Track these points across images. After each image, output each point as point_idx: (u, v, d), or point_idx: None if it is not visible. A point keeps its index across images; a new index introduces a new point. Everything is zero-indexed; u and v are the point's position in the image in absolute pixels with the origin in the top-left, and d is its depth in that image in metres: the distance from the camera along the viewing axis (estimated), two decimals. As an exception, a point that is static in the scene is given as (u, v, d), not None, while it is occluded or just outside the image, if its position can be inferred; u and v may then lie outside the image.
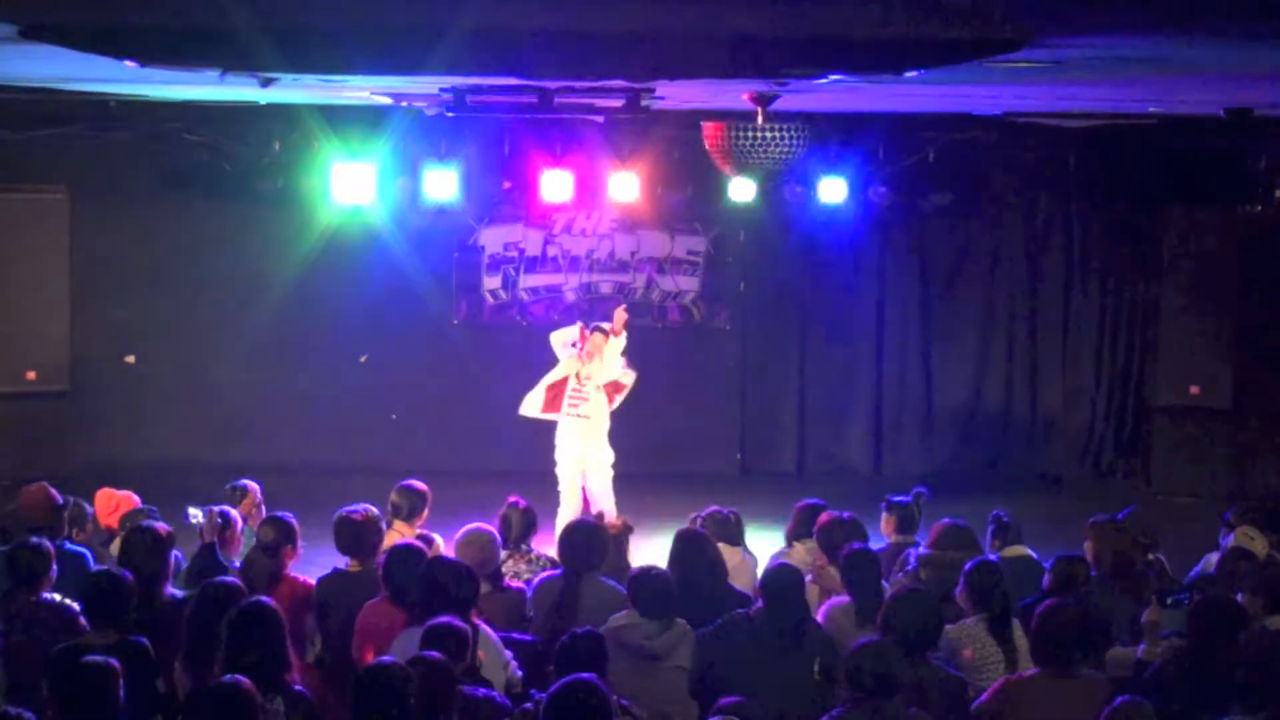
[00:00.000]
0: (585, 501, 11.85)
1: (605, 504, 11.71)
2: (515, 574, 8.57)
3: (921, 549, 8.64)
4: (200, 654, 6.73)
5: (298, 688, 6.39)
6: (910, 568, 8.28)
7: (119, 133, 13.93)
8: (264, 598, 6.79)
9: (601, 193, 13.88)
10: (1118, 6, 6.11)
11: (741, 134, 9.59)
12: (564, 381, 11.80)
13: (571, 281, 15.74)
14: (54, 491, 8.87)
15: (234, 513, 8.82)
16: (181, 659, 6.87)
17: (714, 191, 14.18)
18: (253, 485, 9.47)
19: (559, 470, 11.89)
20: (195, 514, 8.70)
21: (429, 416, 15.34)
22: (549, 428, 11.99)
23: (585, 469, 11.88)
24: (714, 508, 9.20)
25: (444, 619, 6.58)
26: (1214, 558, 8.99)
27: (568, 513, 11.49)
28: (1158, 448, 15.15)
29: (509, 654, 7.18)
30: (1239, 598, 7.45)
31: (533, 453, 12.27)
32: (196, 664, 6.74)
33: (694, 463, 15.28)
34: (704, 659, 7.23)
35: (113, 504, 9.39)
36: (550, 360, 11.93)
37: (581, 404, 11.81)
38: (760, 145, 9.59)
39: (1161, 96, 10.54)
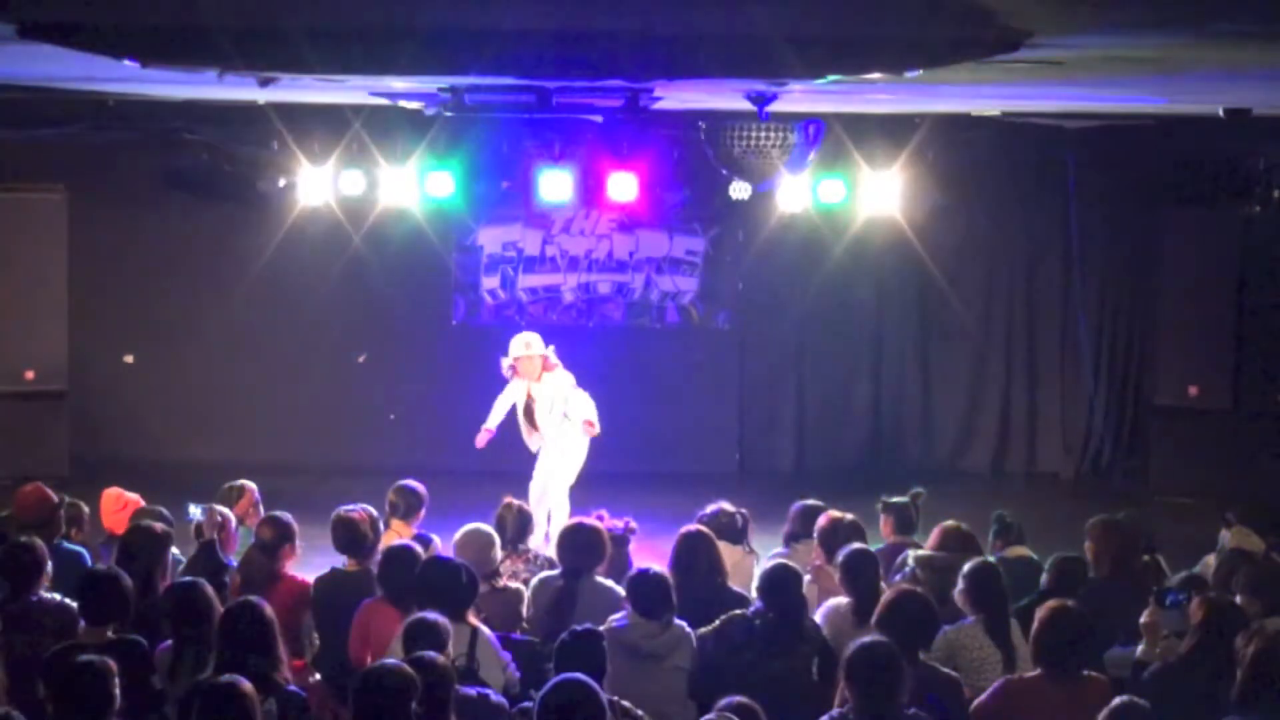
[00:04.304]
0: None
1: (560, 512, 11.56)
2: (513, 574, 8.58)
3: (921, 550, 8.63)
4: (179, 653, 6.74)
5: (291, 687, 6.38)
6: (908, 569, 8.28)
7: (118, 133, 13.89)
8: (251, 597, 6.79)
9: (600, 193, 13.86)
10: (1118, 5, 6.11)
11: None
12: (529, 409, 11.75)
13: (570, 281, 15.74)
14: (48, 491, 8.85)
15: (228, 511, 8.84)
16: (159, 658, 6.86)
17: (713, 191, 14.17)
18: (250, 485, 9.47)
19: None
20: (195, 512, 8.72)
21: (427, 416, 15.33)
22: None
23: (548, 482, 11.80)
24: (718, 506, 9.19)
25: (423, 615, 6.60)
26: (1212, 558, 8.99)
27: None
28: (1157, 448, 15.14)
29: (507, 655, 7.18)
30: (1237, 599, 7.46)
31: (530, 454, 12.26)
32: (176, 662, 6.74)
33: (693, 463, 15.27)
34: (703, 659, 7.24)
35: (119, 505, 9.36)
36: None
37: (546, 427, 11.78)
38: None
39: (1161, 96, 10.54)
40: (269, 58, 7.68)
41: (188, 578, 7.33)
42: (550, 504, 11.63)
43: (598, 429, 11.74)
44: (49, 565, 7.54)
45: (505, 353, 11.85)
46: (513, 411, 11.84)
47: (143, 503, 9.31)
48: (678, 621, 7.32)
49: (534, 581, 8.18)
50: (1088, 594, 7.97)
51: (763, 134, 11.05)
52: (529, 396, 11.77)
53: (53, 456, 14.15)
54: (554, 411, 11.70)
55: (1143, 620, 7.44)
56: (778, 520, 9.69)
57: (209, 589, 7.08)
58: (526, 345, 11.68)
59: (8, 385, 14.41)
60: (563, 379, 11.73)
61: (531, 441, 11.83)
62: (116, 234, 15.09)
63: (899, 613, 6.85)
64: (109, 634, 6.84)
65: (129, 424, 15.16)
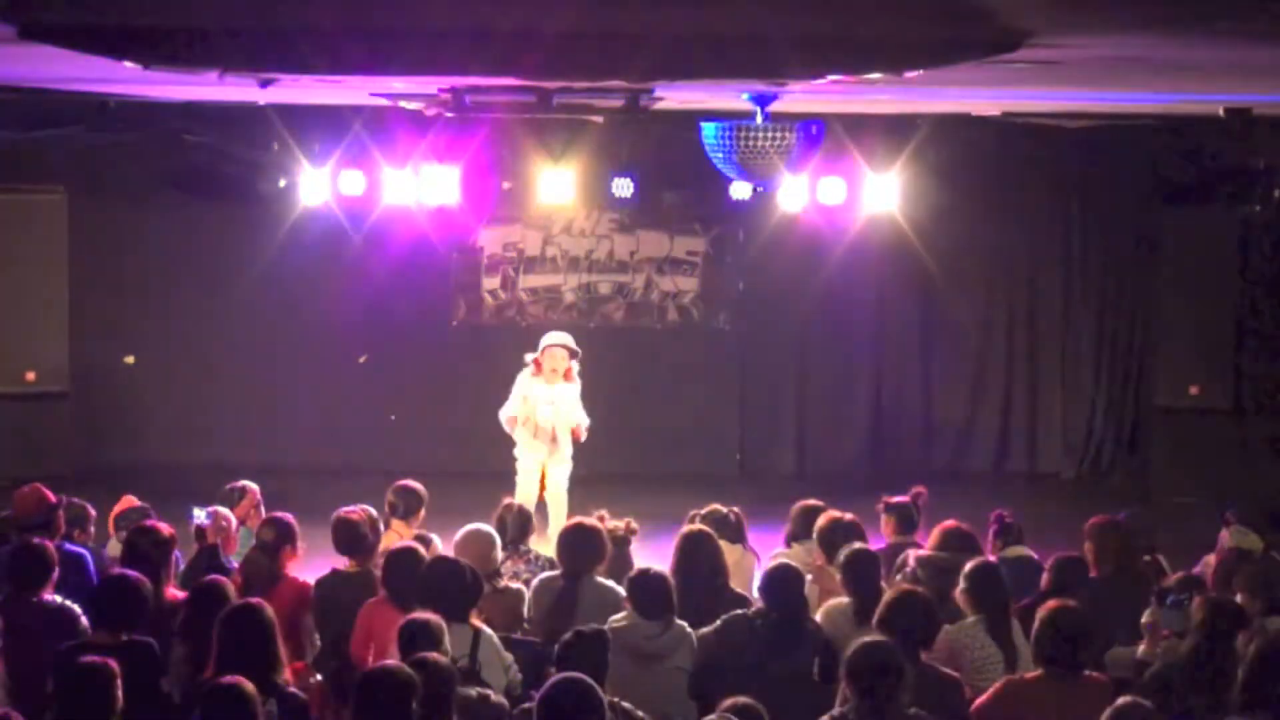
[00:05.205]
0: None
1: (559, 505, 11.66)
2: (514, 574, 8.57)
3: (921, 550, 8.64)
4: (194, 655, 6.73)
5: (291, 689, 6.38)
6: (909, 569, 8.28)
7: (119, 133, 13.89)
8: (253, 599, 6.78)
9: (600, 193, 13.86)
10: (1117, 5, 6.11)
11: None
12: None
13: (570, 282, 15.74)
14: (48, 491, 8.85)
15: (229, 512, 8.84)
16: (175, 660, 6.86)
17: (713, 191, 14.16)
18: (252, 486, 9.47)
19: (520, 465, 11.90)
20: (200, 515, 8.72)
21: (428, 417, 15.33)
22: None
23: (546, 465, 11.85)
24: (713, 506, 9.22)
25: (416, 615, 6.60)
26: (1212, 558, 9.00)
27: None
28: (1157, 448, 15.13)
29: (510, 656, 7.18)
30: (1237, 599, 7.46)
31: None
32: (190, 665, 6.74)
33: (694, 463, 15.27)
34: (704, 659, 7.24)
35: None
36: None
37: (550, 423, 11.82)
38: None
39: (1161, 96, 10.54)
40: (269, 58, 7.68)
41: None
42: (551, 506, 11.66)
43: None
44: (56, 570, 7.54)
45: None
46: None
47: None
48: (678, 622, 7.32)
49: (535, 582, 8.18)
50: (1088, 594, 7.97)
51: (763, 134, 11.04)
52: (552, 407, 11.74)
53: (54, 458, 14.13)
54: (568, 422, 11.72)
55: (1143, 620, 7.46)
56: (778, 520, 9.70)
57: (230, 587, 7.10)
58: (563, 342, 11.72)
59: (9, 386, 14.41)
60: (576, 388, 11.75)
61: (544, 453, 11.75)
62: (116, 234, 15.07)
63: (900, 613, 6.86)
64: (119, 636, 6.82)
65: (130, 425, 15.16)
